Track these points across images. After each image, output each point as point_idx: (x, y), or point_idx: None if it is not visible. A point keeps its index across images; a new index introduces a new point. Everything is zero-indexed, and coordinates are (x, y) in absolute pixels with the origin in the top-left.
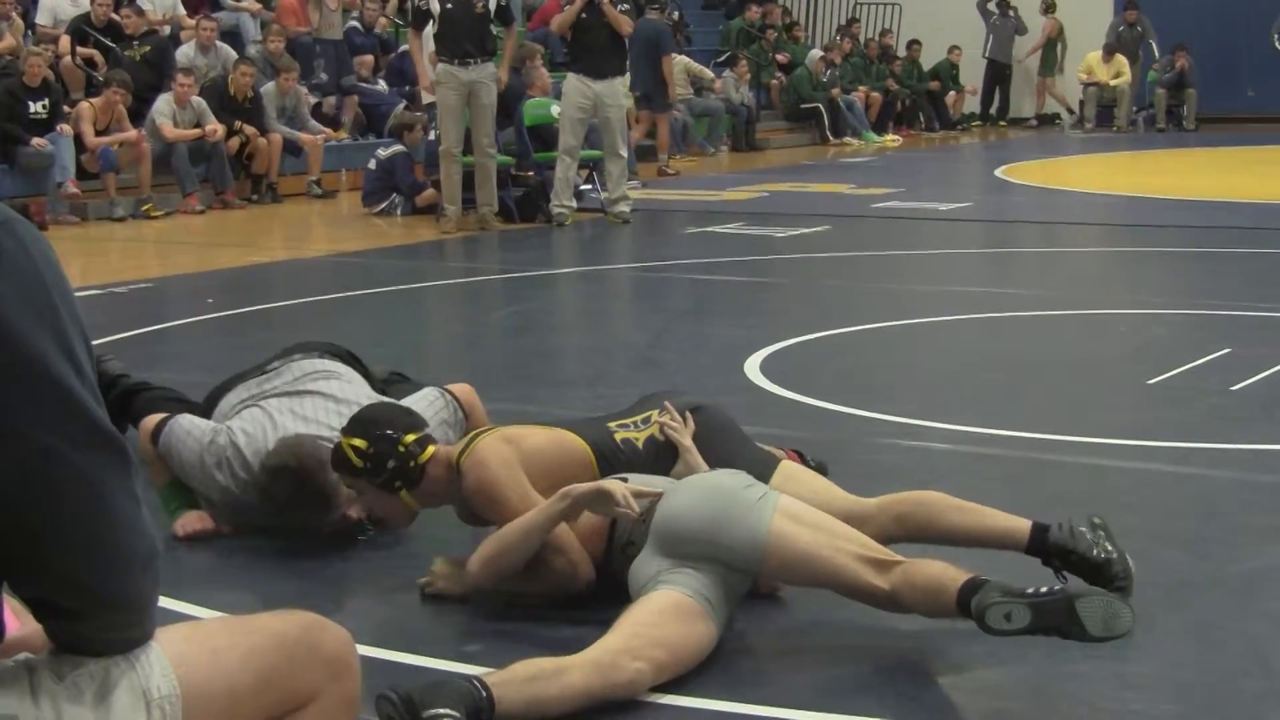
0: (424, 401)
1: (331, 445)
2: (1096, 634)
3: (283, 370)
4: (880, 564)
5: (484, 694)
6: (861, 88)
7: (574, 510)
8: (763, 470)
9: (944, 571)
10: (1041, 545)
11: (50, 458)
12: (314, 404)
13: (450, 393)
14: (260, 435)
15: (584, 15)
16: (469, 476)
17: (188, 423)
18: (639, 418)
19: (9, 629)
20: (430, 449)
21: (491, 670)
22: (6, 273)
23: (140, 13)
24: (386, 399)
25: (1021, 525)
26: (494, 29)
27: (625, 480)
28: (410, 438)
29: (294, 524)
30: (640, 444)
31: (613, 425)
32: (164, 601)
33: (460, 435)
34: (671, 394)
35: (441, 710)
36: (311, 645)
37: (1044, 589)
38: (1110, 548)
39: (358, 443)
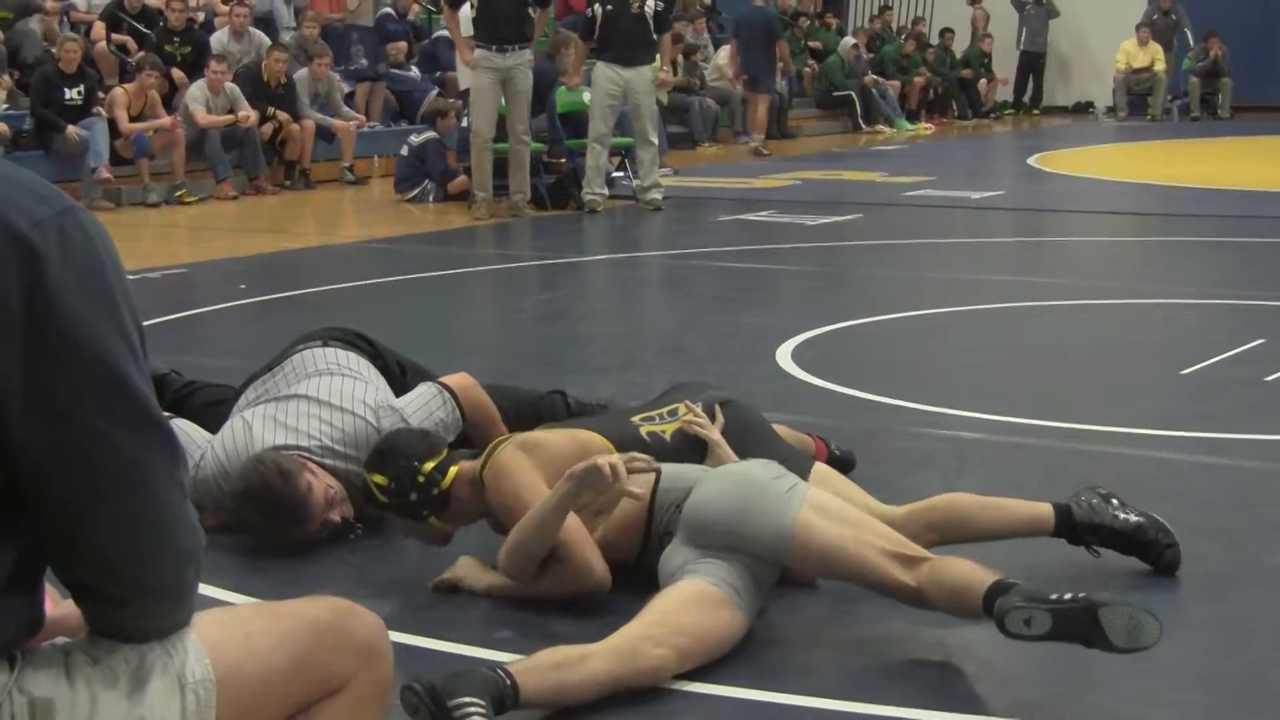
0: (419, 402)
1: (300, 454)
2: (1119, 645)
3: (285, 367)
4: (907, 560)
5: (508, 682)
6: (917, 81)
7: (577, 490)
8: (795, 468)
9: (972, 572)
10: (1069, 526)
11: (100, 442)
12: (298, 409)
13: (447, 387)
14: (235, 453)
15: (609, 7)
16: (492, 489)
17: (184, 433)
18: (664, 410)
19: (46, 611)
20: (452, 472)
21: (517, 658)
22: (69, 259)
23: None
24: (408, 427)
25: (1045, 511)
26: (530, 11)
27: (659, 471)
28: (429, 465)
29: (276, 540)
30: (668, 436)
31: (637, 420)
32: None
33: (457, 433)
34: (700, 386)
35: (465, 699)
36: (344, 631)
37: (1068, 595)
38: (1134, 513)
39: (379, 479)
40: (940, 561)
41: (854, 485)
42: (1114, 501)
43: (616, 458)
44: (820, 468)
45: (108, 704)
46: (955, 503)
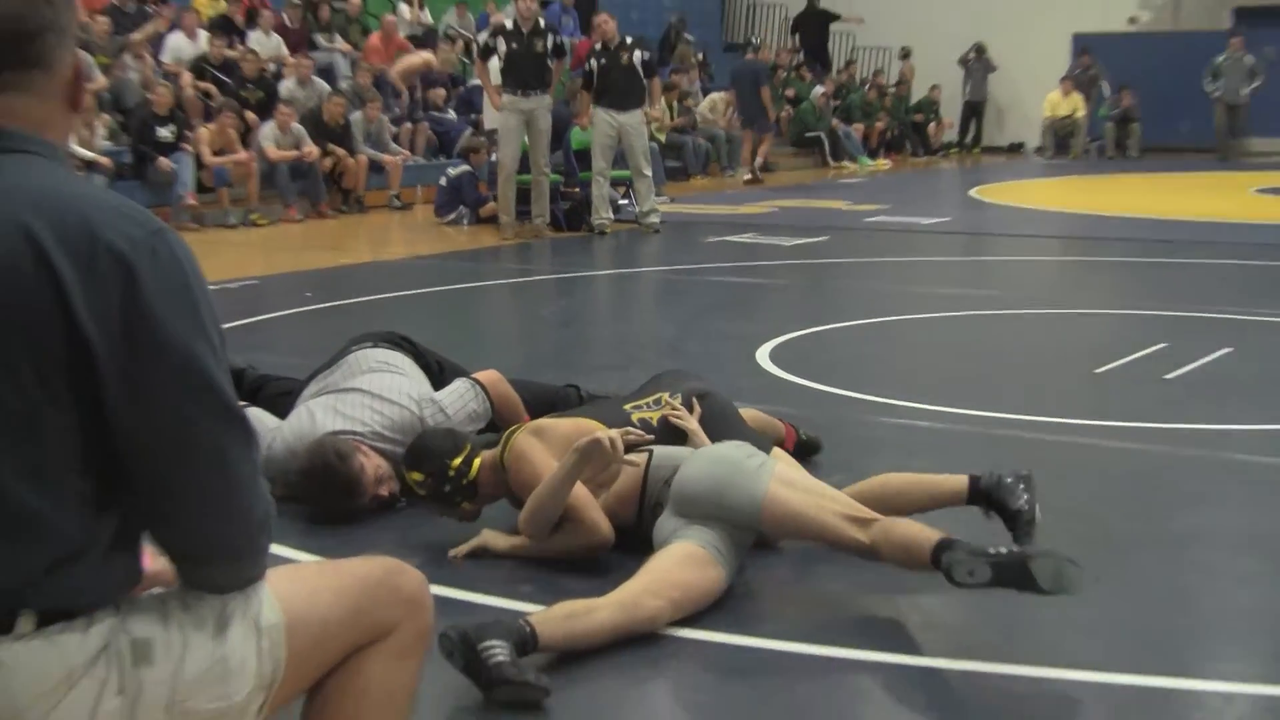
0: (456, 394)
1: (355, 439)
2: (1047, 589)
3: (342, 364)
4: (861, 521)
5: (528, 630)
6: (878, 125)
7: (583, 461)
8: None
9: (920, 531)
10: (976, 494)
11: (187, 428)
12: (354, 401)
13: (479, 382)
14: (300, 436)
15: (603, 61)
16: (513, 471)
17: (257, 419)
18: (650, 399)
19: (145, 567)
20: (476, 463)
21: (537, 609)
22: (160, 273)
23: (253, 53)
24: (437, 427)
25: (961, 483)
26: (549, 62)
27: (651, 453)
28: (457, 461)
29: (334, 510)
30: (655, 422)
31: (628, 408)
32: (271, 547)
33: (486, 422)
34: (678, 375)
35: (492, 642)
36: (392, 586)
37: (1003, 549)
38: (1027, 500)
39: (416, 476)
40: (890, 522)
41: (805, 472)
42: (1022, 485)
43: (614, 432)
44: (777, 453)
45: (197, 644)
46: (881, 483)
